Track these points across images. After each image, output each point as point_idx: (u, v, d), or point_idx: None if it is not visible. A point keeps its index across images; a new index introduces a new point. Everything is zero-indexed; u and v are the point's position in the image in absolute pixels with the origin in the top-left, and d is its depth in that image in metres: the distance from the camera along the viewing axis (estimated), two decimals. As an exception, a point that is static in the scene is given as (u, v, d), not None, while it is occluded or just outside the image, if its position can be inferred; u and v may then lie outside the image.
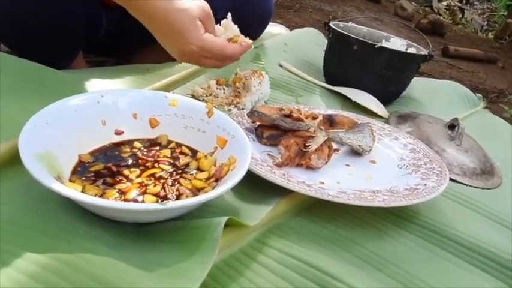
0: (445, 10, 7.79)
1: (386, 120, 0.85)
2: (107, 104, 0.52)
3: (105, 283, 0.31)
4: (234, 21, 0.69)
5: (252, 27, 0.98)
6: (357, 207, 0.51)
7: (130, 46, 1.00)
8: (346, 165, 0.62)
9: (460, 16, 7.53)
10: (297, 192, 0.50)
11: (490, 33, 7.12)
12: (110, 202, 0.39)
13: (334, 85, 0.93)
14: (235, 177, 0.43)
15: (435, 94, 1.08)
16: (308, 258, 0.42)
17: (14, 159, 0.44)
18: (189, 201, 0.40)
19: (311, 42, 1.15)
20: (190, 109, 0.55)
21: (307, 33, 1.23)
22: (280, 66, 0.96)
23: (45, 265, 0.31)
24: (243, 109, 0.72)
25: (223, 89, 0.76)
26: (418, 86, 1.07)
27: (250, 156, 0.47)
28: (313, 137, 0.58)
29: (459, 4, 8.21)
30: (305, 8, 3.34)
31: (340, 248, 0.47)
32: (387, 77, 0.91)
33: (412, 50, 0.97)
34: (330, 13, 3.30)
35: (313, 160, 0.57)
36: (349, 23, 1.05)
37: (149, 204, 0.41)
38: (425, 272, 0.47)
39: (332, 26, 0.95)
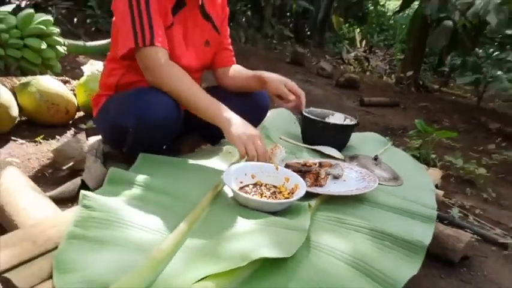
0: (353, 60, 9.25)
1: (344, 160, 1.62)
2: (244, 167, 1.21)
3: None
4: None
5: (256, 119, 1.69)
6: (341, 198, 1.24)
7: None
8: (334, 182, 1.35)
9: (367, 64, 9.01)
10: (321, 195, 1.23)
11: (392, 75, 8.63)
12: (262, 200, 1.09)
13: (312, 145, 1.69)
14: (300, 192, 1.14)
15: (364, 141, 1.89)
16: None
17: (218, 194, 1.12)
18: (291, 199, 1.11)
19: (289, 121, 1.93)
20: (267, 168, 1.26)
21: (283, 113, 2.01)
22: (280, 138, 1.70)
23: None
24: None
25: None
26: (355, 138, 1.87)
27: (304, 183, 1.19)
28: (319, 172, 1.31)
29: (364, 54, 9.76)
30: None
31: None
32: (339, 138, 1.69)
33: (347, 120, 1.77)
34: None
35: (321, 182, 1.30)
36: (310, 108, 1.84)
37: (279, 200, 1.11)
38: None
39: (304, 113, 1.72)
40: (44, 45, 2.20)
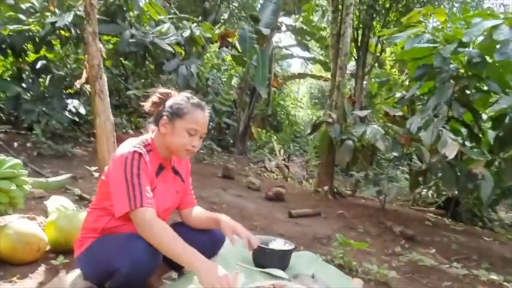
0: (275, 168, 10.13)
1: (289, 279, 2.03)
2: None
3: None
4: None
5: (214, 249, 2.10)
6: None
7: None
8: (286, 301, 1.75)
9: (287, 171, 9.92)
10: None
11: (310, 179, 9.50)
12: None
13: (262, 268, 2.09)
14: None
15: (301, 260, 2.34)
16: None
17: None
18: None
19: (241, 248, 2.33)
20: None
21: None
22: (238, 264, 2.08)
23: None
24: (239, 289, 1.80)
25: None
26: (293, 257, 2.30)
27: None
28: (275, 293, 1.71)
29: (284, 162, 10.75)
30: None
31: None
32: (283, 260, 2.13)
33: (287, 244, 2.23)
34: (209, 198, 4.59)
35: (278, 301, 1.69)
36: (256, 235, 2.27)
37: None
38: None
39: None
40: (13, 187, 2.43)
